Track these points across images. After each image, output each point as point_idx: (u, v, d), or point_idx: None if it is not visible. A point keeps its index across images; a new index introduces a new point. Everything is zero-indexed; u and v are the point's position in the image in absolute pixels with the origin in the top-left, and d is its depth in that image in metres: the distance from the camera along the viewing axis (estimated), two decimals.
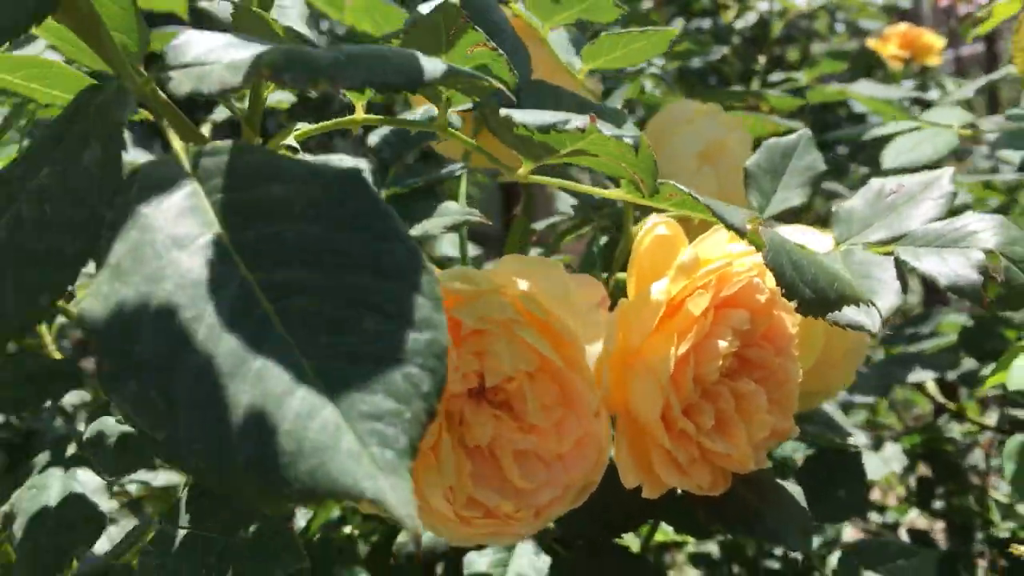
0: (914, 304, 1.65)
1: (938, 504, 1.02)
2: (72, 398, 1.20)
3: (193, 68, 0.21)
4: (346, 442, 0.16)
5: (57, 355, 0.64)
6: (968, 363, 0.84)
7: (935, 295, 1.49)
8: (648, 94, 0.77)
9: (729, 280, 0.36)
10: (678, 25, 1.31)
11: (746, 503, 0.38)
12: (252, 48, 0.21)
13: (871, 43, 1.35)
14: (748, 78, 1.23)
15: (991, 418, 1.14)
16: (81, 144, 0.20)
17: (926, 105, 0.91)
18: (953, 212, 0.40)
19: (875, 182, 0.43)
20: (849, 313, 0.36)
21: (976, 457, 1.09)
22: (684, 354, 0.35)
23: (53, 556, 0.40)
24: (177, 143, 0.21)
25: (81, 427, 0.52)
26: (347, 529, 0.50)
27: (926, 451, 0.97)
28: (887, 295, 0.36)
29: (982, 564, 0.96)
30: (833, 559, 0.49)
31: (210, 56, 0.22)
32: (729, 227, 0.30)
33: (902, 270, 0.38)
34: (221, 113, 0.66)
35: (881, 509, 1.18)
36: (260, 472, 0.16)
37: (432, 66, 0.21)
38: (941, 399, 0.97)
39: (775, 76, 1.20)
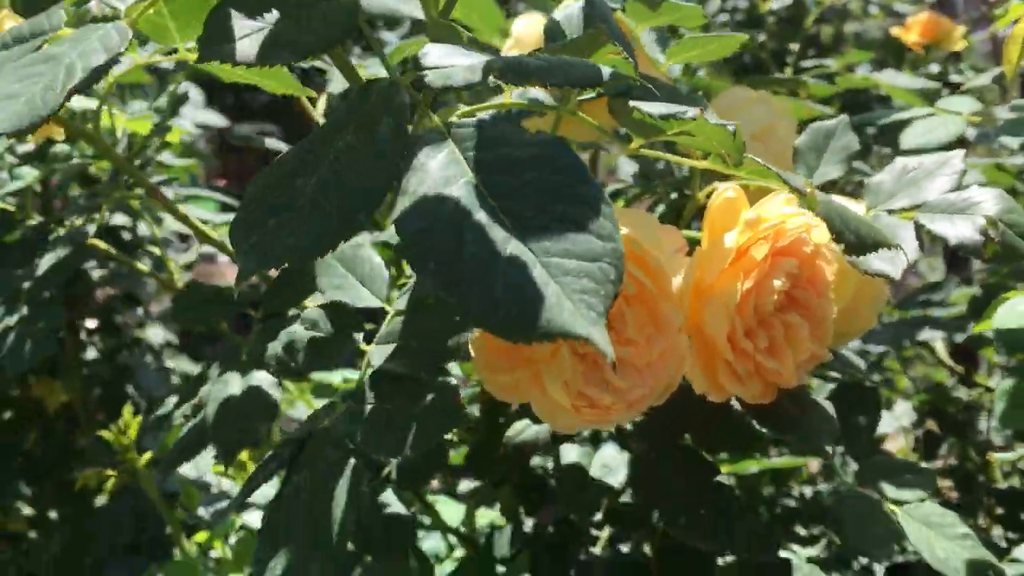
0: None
1: (940, 463, 1.12)
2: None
3: (439, 70, 0.31)
4: (569, 306, 0.27)
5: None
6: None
7: (953, 270, 1.58)
8: (698, 77, 0.87)
9: (784, 234, 0.46)
10: (714, 6, 1.40)
11: (788, 411, 0.49)
12: (476, 57, 0.32)
13: (895, 31, 1.44)
14: (783, 62, 1.32)
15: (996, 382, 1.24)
16: (375, 118, 0.30)
17: (956, 88, 0.99)
18: (963, 187, 0.50)
19: (899, 160, 0.53)
20: (876, 263, 0.46)
21: (982, 422, 1.19)
22: (748, 289, 0.45)
23: (237, 436, 0.51)
24: (436, 118, 0.31)
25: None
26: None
27: (933, 409, 1.07)
28: (908, 250, 0.46)
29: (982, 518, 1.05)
30: (851, 470, 0.59)
31: (443, 61, 0.32)
32: (792, 190, 0.40)
33: (919, 232, 0.48)
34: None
35: None
36: (518, 322, 0.27)
37: (605, 71, 0.31)
38: (950, 362, 1.07)
39: (807, 62, 1.29)
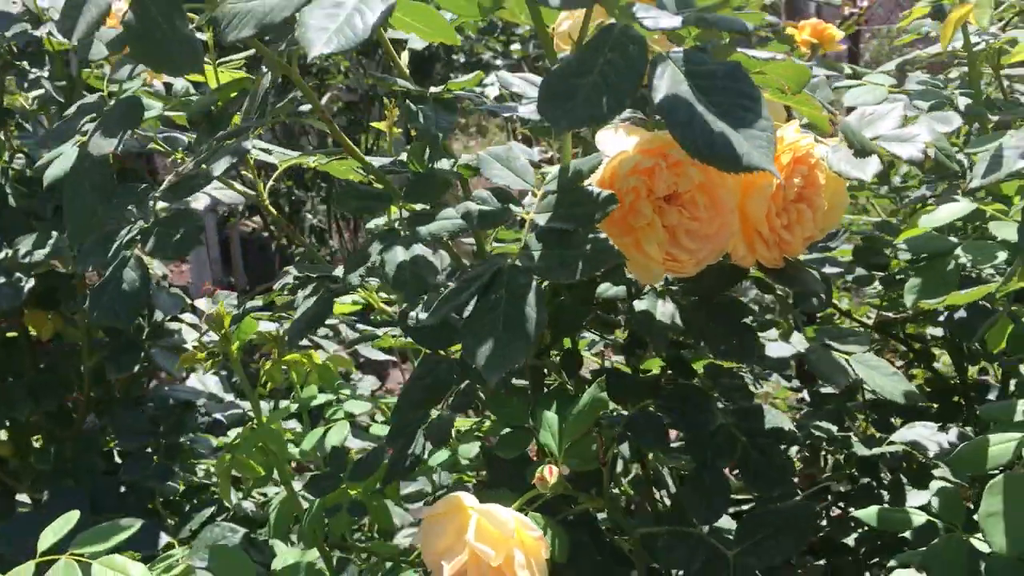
0: None
1: None
2: None
3: (652, 19, 0.52)
4: (756, 154, 0.48)
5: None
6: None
7: None
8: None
9: (799, 150, 0.69)
10: None
11: (791, 271, 0.72)
12: (672, 15, 0.52)
13: (790, 29, 1.72)
14: None
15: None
16: (624, 44, 0.51)
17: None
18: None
19: (861, 108, 0.76)
20: (854, 171, 0.69)
21: None
22: (778, 184, 0.67)
23: (414, 288, 0.69)
24: (656, 47, 0.52)
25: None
26: None
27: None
28: (875, 162, 0.70)
29: None
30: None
31: (656, 19, 0.52)
32: (826, 114, 0.63)
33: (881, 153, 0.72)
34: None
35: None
36: (732, 161, 0.48)
37: (743, 22, 0.53)
38: (836, 303, 1.34)
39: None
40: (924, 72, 1.09)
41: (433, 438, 0.85)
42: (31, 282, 1.20)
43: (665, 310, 0.73)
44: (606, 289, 0.74)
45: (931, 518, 0.93)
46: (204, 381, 1.40)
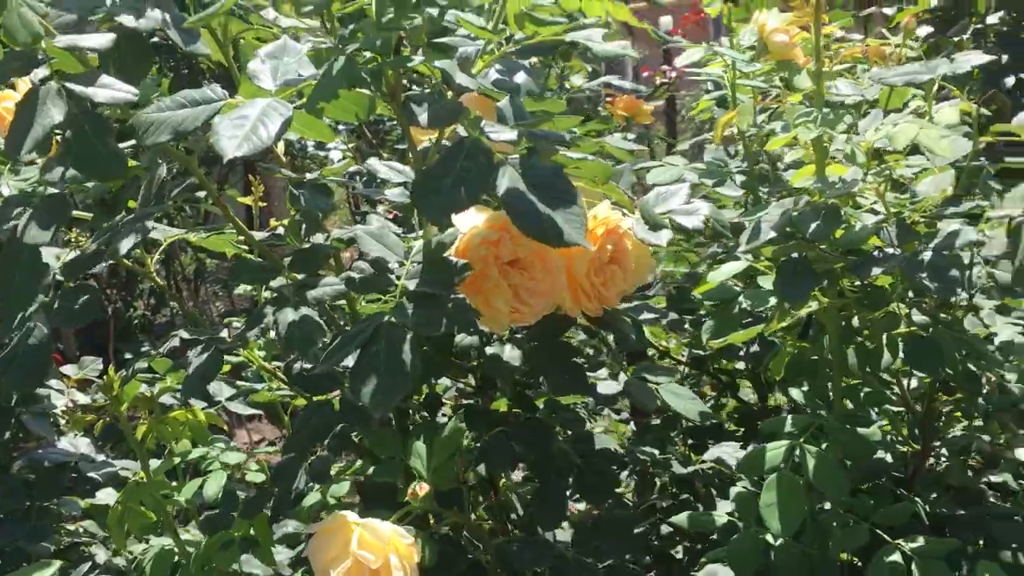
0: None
1: None
2: None
3: (497, 134, 0.69)
4: (573, 232, 0.66)
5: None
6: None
7: None
8: None
9: (609, 223, 0.87)
10: None
11: (609, 318, 0.90)
12: (511, 132, 0.70)
13: (607, 106, 1.96)
14: None
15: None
16: (476, 154, 0.68)
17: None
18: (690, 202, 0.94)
19: (656, 188, 0.97)
20: (652, 238, 0.89)
21: None
22: (598, 249, 0.86)
23: (302, 345, 0.83)
24: (499, 155, 0.69)
25: None
26: None
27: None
28: (665, 233, 0.89)
29: None
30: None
31: (499, 134, 0.70)
32: (626, 200, 0.81)
33: (672, 224, 0.92)
34: None
35: None
36: (555, 238, 0.65)
37: (562, 136, 0.71)
38: (654, 341, 1.56)
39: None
40: (718, 145, 1.32)
41: (314, 475, 0.99)
42: None
43: (512, 354, 0.90)
44: (463, 339, 0.90)
45: (731, 518, 1.14)
46: (75, 443, 1.46)
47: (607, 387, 1.04)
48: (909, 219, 0.86)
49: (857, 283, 0.95)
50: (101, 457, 1.49)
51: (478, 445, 0.91)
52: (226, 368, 1.33)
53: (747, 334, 0.96)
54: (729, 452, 1.18)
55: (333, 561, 0.81)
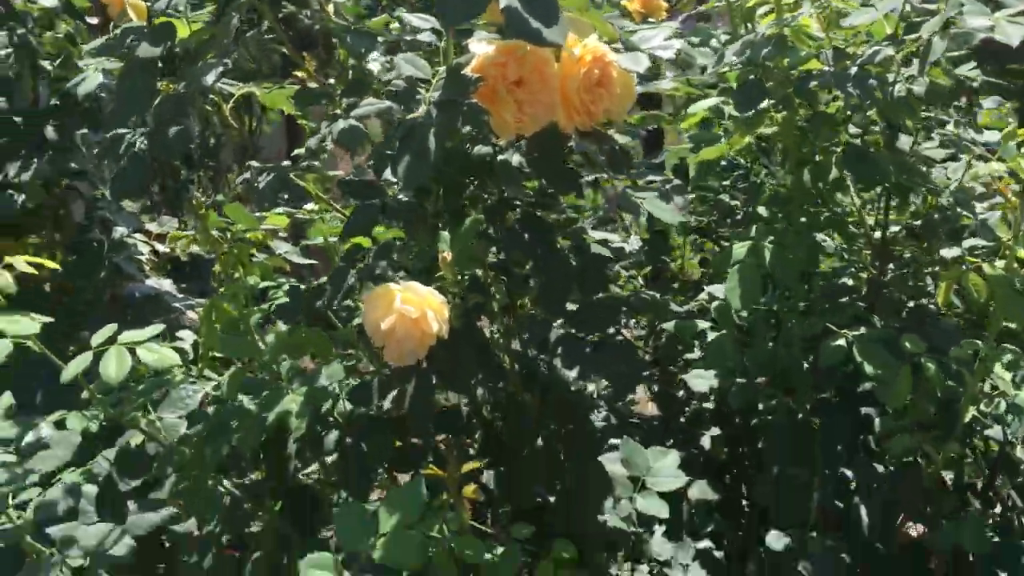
0: None
1: None
2: None
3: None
4: (554, 35, 0.87)
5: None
6: None
7: None
8: None
9: (597, 51, 1.08)
10: None
11: (598, 134, 1.11)
12: None
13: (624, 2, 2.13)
14: None
15: None
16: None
17: None
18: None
19: (641, 31, 1.16)
20: (632, 65, 1.09)
21: None
22: (585, 72, 1.06)
23: (350, 142, 1.06)
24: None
25: None
26: None
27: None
28: (645, 60, 1.10)
29: None
30: None
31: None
32: (608, 29, 1.02)
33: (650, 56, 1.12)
34: None
35: None
36: (539, 38, 0.86)
37: None
38: None
39: None
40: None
41: (363, 274, 1.22)
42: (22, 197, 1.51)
43: (518, 161, 1.12)
44: (479, 149, 1.12)
45: (712, 325, 1.36)
46: (159, 283, 1.72)
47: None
48: (847, 48, 1.05)
49: (810, 111, 1.15)
50: (181, 296, 1.76)
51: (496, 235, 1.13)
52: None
53: (718, 150, 1.17)
54: (719, 290, 1.39)
55: (382, 317, 1.05)
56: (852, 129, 1.12)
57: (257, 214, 1.49)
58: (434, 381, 1.14)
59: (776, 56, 1.02)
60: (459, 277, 1.09)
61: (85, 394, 1.15)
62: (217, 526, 1.27)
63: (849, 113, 1.12)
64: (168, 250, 1.77)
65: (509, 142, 1.13)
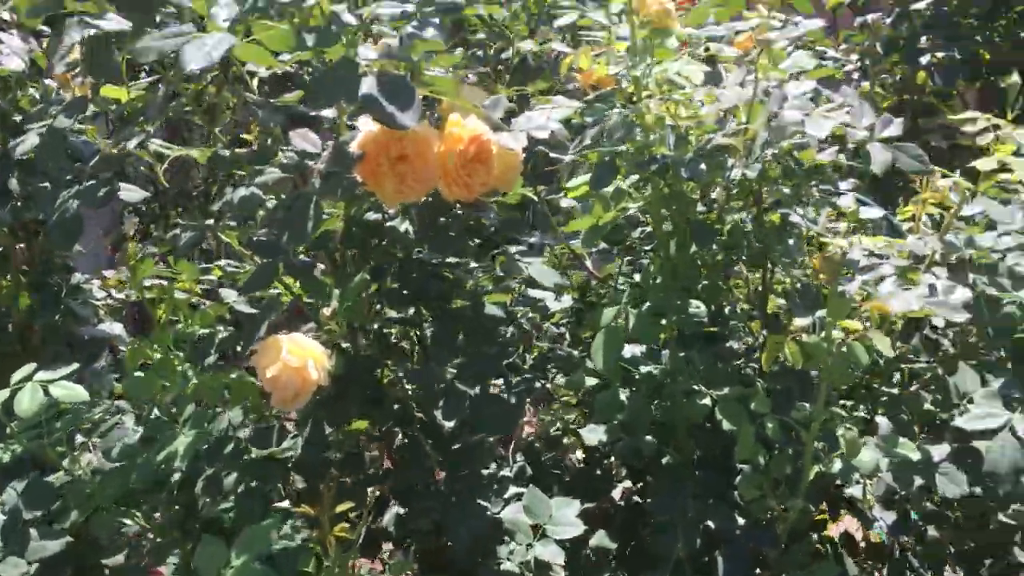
0: None
1: None
2: None
3: (364, 53, 1.03)
4: (409, 119, 0.99)
5: None
6: None
7: None
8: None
9: (475, 131, 1.20)
10: None
11: (478, 204, 1.23)
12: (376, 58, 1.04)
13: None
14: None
15: None
16: (347, 66, 1.01)
17: None
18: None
19: (527, 112, 1.29)
20: (511, 143, 1.21)
21: None
22: (462, 150, 1.19)
23: (249, 208, 1.18)
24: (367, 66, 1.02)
25: None
26: None
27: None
28: (524, 138, 1.22)
29: None
30: None
31: None
32: (479, 111, 1.14)
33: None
34: None
35: None
36: (395, 123, 0.98)
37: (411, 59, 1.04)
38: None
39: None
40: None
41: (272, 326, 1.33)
42: None
43: (405, 226, 1.24)
44: (370, 216, 1.24)
45: (599, 378, 1.46)
46: (111, 327, 1.84)
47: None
48: (691, 133, 1.17)
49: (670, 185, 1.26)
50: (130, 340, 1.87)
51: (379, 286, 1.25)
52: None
53: (584, 222, 1.29)
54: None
55: (269, 365, 1.16)
56: (700, 208, 1.23)
57: (204, 265, 1.62)
58: (326, 429, 1.25)
59: (627, 139, 1.14)
60: (354, 326, 1.21)
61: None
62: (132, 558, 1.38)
63: (699, 193, 1.24)
64: (123, 296, 1.90)
65: (401, 208, 1.25)
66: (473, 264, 1.32)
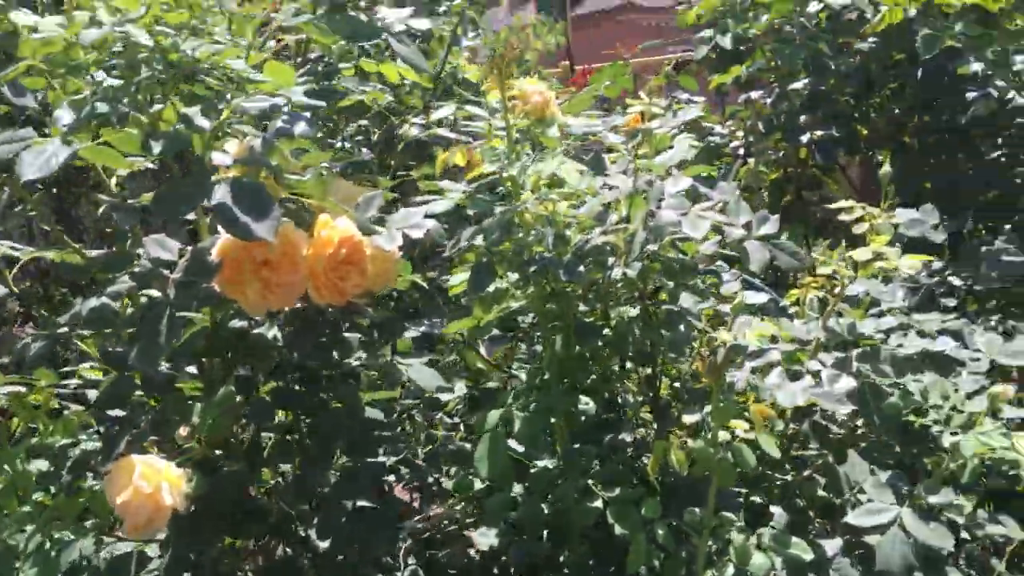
0: None
1: None
2: None
3: (219, 157, 0.97)
4: (265, 229, 0.93)
5: None
6: None
7: None
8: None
9: (345, 232, 1.14)
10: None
11: (352, 307, 1.17)
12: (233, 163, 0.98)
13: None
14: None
15: None
16: (200, 172, 0.95)
17: None
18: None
19: (404, 209, 1.24)
20: (384, 243, 1.16)
21: None
22: (331, 253, 1.13)
23: (101, 323, 1.10)
24: (222, 171, 0.96)
25: None
26: None
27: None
28: (399, 238, 1.16)
29: None
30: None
31: None
32: (347, 211, 1.09)
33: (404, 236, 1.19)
34: None
35: None
36: (248, 234, 0.92)
37: (266, 161, 0.98)
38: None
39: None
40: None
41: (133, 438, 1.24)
42: None
43: (274, 334, 1.16)
44: (235, 323, 1.17)
45: (489, 484, 1.39)
46: None
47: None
48: (571, 231, 1.14)
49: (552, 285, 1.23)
50: None
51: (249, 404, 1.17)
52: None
53: (466, 323, 1.24)
54: None
55: (121, 490, 1.07)
56: (582, 307, 1.20)
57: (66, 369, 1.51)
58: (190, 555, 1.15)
59: (501, 240, 1.10)
60: (216, 443, 1.12)
61: None
62: None
63: (582, 291, 1.20)
64: None
65: (268, 315, 1.18)
66: (355, 363, 1.25)
